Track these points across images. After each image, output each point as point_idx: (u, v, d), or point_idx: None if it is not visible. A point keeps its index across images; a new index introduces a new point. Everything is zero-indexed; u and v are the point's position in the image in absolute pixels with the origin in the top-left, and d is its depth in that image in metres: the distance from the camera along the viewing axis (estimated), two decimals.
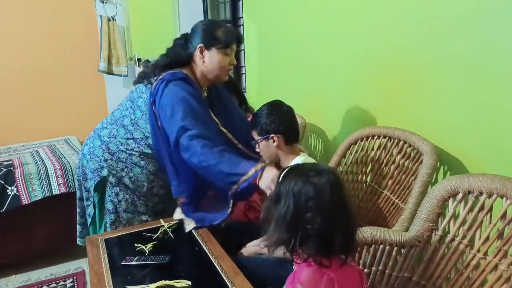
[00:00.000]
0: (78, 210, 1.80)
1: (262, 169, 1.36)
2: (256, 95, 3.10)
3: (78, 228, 1.82)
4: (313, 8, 2.26)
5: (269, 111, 1.51)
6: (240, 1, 3.27)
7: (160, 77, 1.55)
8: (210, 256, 1.39)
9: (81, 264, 2.41)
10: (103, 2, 3.03)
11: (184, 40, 1.64)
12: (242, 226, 1.87)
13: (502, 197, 1.07)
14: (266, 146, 1.55)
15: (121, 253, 1.45)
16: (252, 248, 1.63)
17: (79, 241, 1.84)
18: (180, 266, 1.35)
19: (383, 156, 1.80)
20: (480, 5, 1.33)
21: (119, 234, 1.59)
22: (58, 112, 3.13)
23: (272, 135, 1.49)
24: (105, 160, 1.66)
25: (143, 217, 1.73)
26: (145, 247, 1.44)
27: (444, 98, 1.53)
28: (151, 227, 1.62)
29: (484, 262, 1.09)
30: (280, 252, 1.03)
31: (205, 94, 1.71)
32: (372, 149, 1.84)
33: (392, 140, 1.76)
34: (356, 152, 1.90)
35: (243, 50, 3.34)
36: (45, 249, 2.37)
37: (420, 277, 1.26)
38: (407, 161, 1.66)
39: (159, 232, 1.55)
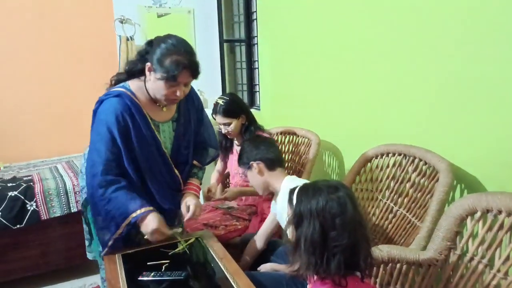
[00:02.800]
0: (84, 226, 1.82)
1: (145, 213, 1.45)
2: (270, 112, 3.13)
3: (86, 242, 1.84)
4: (327, 26, 2.29)
5: (247, 144, 1.62)
6: (255, 21, 3.34)
7: (101, 95, 1.56)
8: (226, 273, 1.39)
9: (96, 279, 2.42)
10: (122, 23, 3.13)
11: (150, 46, 1.50)
12: None
13: None
14: (252, 176, 1.62)
15: (138, 269, 1.46)
16: (268, 265, 1.63)
17: (88, 256, 1.85)
18: (196, 282, 1.35)
19: (398, 174, 1.79)
20: (495, 27, 1.35)
21: (136, 249, 1.61)
22: (77, 129, 3.19)
23: (251, 162, 1.57)
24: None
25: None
26: (165, 262, 1.45)
27: (461, 117, 1.54)
28: (168, 242, 1.64)
29: (504, 283, 1.08)
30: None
31: (164, 108, 1.60)
32: (388, 167, 1.84)
33: (408, 157, 1.76)
34: (371, 169, 1.90)
35: (257, 68, 3.39)
36: (61, 264, 2.39)
37: None
38: (423, 179, 1.65)
39: (177, 249, 1.55)
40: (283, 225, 1.48)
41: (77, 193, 2.32)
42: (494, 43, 1.36)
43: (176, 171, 1.66)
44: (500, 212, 1.12)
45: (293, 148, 2.50)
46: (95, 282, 2.39)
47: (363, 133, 2.12)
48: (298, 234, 1.01)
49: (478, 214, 1.17)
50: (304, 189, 1.04)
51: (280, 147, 2.49)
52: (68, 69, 3.11)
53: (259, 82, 3.41)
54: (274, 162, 1.57)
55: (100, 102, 1.55)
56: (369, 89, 2.03)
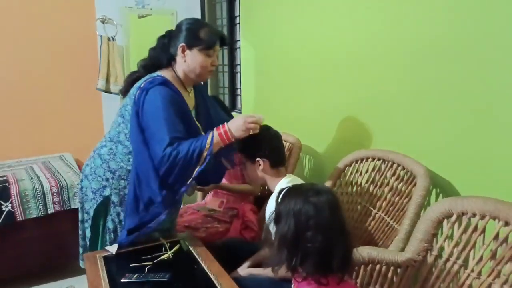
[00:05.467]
0: (80, 232, 1.78)
1: (220, 128, 1.50)
2: None
3: (80, 250, 1.80)
4: (309, 31, 2.34)
5: (256, 135, 1.53)
6: (237, 25, 3.37)
7: (142, 85, 1.55)
8: (210, 274, 1.40)
9: (72, 282, 2.38)
10: (103, 23, 3.10)
11: (168, 39, 1.62)
12: (238, 244, 1.89)
13: (494, 219, 1.12)
14: (252, 170, 1.59)
15: (120, 270, 1.45)
16: (247, 270, 1.65)
17: (81, 264, 1.80)
18: (180, 284, 1.36)
19: (377, 178, 1.84)
20: (474, 36, 1.42)
21: (117, 251, 1.60)
22: (54, 129, 3.14)
23: (258, 159, 1.54)
24: (107, 179, 1.66)
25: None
26: (155, 258, 1.46)
27: (436, 123, 1.60)
28: (150, 244, 1.63)
29: (478, 282, 1.13)
30: (283, 271, 1.05)
31: (190, 94, 1.70)
32: (367, 171, 1.89)
33: (386, 162, 1.81)
34: (351, 173, 1.95)
35: (239, 72, 3.42)
36: (37, 266, 2.34)
37: None
38: (401, 183, 1.71)
39: (163, 253, 1.55)
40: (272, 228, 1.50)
41: (55, 194, 2.28)
42: (470, 50, 1.43)
43: None
44: (474, 215, 1.17)
45: None
46: (72, 286, 2.35)
47: (343, 138, 2.17)
48: (275, 232, 1.05)
49: (454, 217, 1.22)
50: (288, 190, 1.08)
51: None
52: (46, 68, 3.05)
53: (241, 86, 3.44)
54: (278, 162, 1.58)
55: (145, 91, 1.53)
56: (349, 95, 2.08)
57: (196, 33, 1.56)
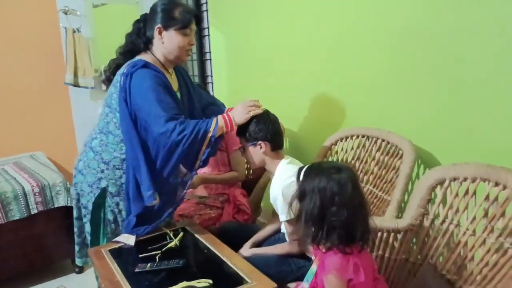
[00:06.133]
0: (75, 229, 1.76)
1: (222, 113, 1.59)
2: (226, 104, 3.16)
3: (76, 247, 1.77)
4: (284, 16, 2.38)
5: (257, 119, 1.58)
6: (205, 12, 3.35)
7: (125, 71, 1.55)
8: (222, 257, 1.45)
9: (62, 282, 2.33)
10: (66, 14, 2.96)
11: (143, 23, 1.63)
12: (233, 227, 1.94)
13: (484, 181, 1.25)
14: (253, 152, 1.63)
15: (130, 262, 1.46)
16: (249, 250, 1.71)
17: (78, 261, 1.79)
18: (195, 268, 1.40)
19: (362, 155, 1.95)
20: (449, 19, 1.53)
21: (121, 245, 1.60)
22: (21, 127, 2.99)
23: (260, 142, 1.58)
24: (102, 171, 1.65)
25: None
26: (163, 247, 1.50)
27: (416, 100, 1.73)
28: (152, 235, 1.65)
29: (473, 238, 1.26)
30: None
31: (172, 76, 1.71)
32: (352, 148, 1.99)
33: (371, 139, 1.92)
34: (337, 152, 2.04)
35: (210, 60, 3.41)
36: (25, 268, 2.26)
37: (416, 258, 1.42)
38: (387, 157, 1.82)
39: (169, 241, 1.57)
40: (276, 207, 1.55)
41: (37, 194, 2.20)
42: (446, 30, 1.55)
43: None
44: (465, 179, 1.30)
45: None
46: (62, 285, 2.30)
47: (325, 119, 2.26)
48: (300, 208, 1.11)
49: (447, 182, 1.34)
50: (310, 168, 1.14)
51: None
52: (7, 64, 2.89)
53: (212, 74, 3.44)
54: (278, 144, 1.62)
55: (128, 75, 1.53)
56: (329, 77, 2.16)
57: (171, 13, 1.56)
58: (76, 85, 3.01)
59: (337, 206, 1.06)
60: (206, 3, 3.27)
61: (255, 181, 2.30)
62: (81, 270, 2.41)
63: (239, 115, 1.55)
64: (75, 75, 2.99)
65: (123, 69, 1.58)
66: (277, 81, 2.57)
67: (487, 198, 1.24)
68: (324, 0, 2.10)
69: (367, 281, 1.07)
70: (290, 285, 1.56)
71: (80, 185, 1.69)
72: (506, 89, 1.40)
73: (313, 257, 1.20)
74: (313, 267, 1.16)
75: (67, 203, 2.25)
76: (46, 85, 3.03)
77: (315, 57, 2.23)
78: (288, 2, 2.34)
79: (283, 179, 1.52)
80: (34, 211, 2.19)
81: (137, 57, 1.61)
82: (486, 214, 1.24)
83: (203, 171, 2.25)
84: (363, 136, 1.95)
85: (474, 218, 1.27)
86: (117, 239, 1.63)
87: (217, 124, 1.51)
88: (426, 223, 1.39)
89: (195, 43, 1.65)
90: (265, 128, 1.57)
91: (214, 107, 1.86)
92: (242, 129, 1.61)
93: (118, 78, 1.59)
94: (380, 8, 1.82)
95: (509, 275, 1.10)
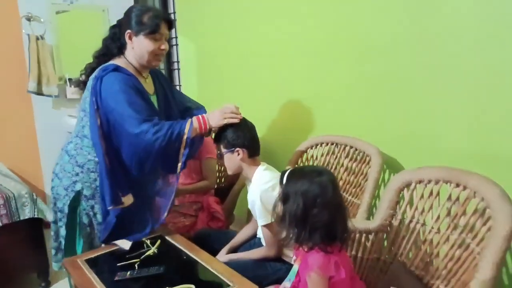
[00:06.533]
0: (52, 233, 1.73)
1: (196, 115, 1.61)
2: None
3: (52, 251, 1.74)
4: (254, 25, 2.45)
5: (235, 126, 1.62)
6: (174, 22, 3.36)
7: (96, 74, 1.58)
8: (201, 262, 1.47)
9: None
10: (29, 20, 2.88)
11: (118, 28, 1.66)
12: (207, 234, 1.96)
13: (447, 183, 1.35)
14: (230, 159, 1.66)
15: (107, 271, 1.45)
16: (226, 256, 1.74)
17: (54, 266, 1.76)
18: (176, 275, 1.40)
19: (332, 161, 2.04)
20: (411, 31, 1.66)
21: (97, 254, 1.58)
22: None
23: (237, 148, 1.62)
24: (77, 174, 1.64)
25: None
26: (141, 255, 1.50)
27: (382, 109, 1.84)
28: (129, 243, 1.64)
29: (438, 236, 1.36)
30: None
31: (147, 80, 1.73)
32: (322, 155, 2.08)
33: (339, 146, 2.01)
34: (308, 159, 2.12)
35: (178, 69, 3.42)
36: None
37: (387, 256, 1.50)
38: (355, 163, 1.92)
39: (147, 249, 1.58)
40: (254, 213, 1.59)
41: (1, 206, 2.11)
42: (407, 44, 1.68)
43: None
44: (430, 181, 1.40)
45: None
46: None
47: (296, 127, 2.34)
48: (284, 210, 1.17)
49: (413, 185, 1.45)
50: (292, 172, 1.20)
51: None
52: None
53: (180, 83, 3.45)
54: (255, 151, 1.66)
55: (99, 79, 1.56)
56: (299, 85, 2.25)
57: (140, 19, 1.57)
58: (39, 93, 2.92)
59: (319, 207, 1.12)
60: (174, 12, 3.29)
61: (227, 189, 2.34)
62: (47, 284, 2.33)
63: (214, 119, 1.60)
64: (39, 82, 2.90)
65: (95, 73, 1.61)
66: (247, 89, 2.63)
67: (449, 198, 1.35)
68: (295, 9, 2.18)
69: (346, 278, 1.13)
70: None
71: (56, 189, 1.68)
72: (462, 101, 1.53)
73: (294, 258, 1.26)
74: (295, 267, 1.21)
75: (34, 215, 2.18)
76: (8, 93, 2.92)
77: (286, 66, 2.31)
78: (258, 11, 2.41)
79: (261, 185, 1.57)
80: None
81: (110, 62, 1.64)
82: (449, 213, 1.34)
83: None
84: (332, 144, 2.04)
85: (438, 217, 1.38)
86: (113, 242, 1.63)
87: (191, 125, 1.56)
88: (395, 223, 1.48)
89: (167, 48, 1.66)
90: (243, 135, 1.61)
91: (194, 111, 1.88)
92: (220, 136, 1.64)
93: (90, 82, 1.61)
94: (348, 23, 1.93)
95: (471, 267, 1.20)
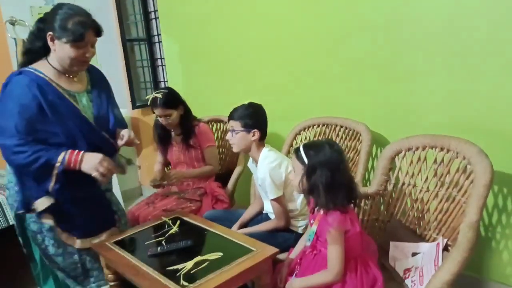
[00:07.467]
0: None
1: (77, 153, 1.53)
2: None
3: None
4: (240, 19, 2.57)
5: (255, 110, 1.79)
6: (154, 20, 3.46)
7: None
8: (222, 234, 1.63)
9: None
10: (13, 25, 2.91)
11: (43, 24, 1.53)
12: (220, 214, 2.11)
13: (432, 148, 1.58)
14: (244, 138, 1.80)
15: (138, 249, 1.59)
16: (238, 231, 1.90)
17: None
18: (202, 246, 1.56)
19: None
20: (390, 14, 1.87)
21: (122, 237, 1.71)
22: None
23: (255, 130, 1.78)
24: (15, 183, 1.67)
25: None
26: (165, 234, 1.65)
27: (368, 89, 2.05)
28: (150, 225, 1.78)
29: (428, 194, 1.59)
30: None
31: (75, 79, 1.65)
32: (314, 136, 2.27)
33: (330, 126, 2.21)
34: (302, 141, 2.31)
35: (162, 66, 3.53)
36: None
37: (384, 217, 1.72)
38: (346, 140, 2.13)
39: (170, 228, 1.71)
40: (264, 188, 1.75)
41: None
42: (389, 30, 1.89)
43: (105, 134, 1.70)
44: (417, 148, 1.62)
45: (222, 135, 2.76)
46: None
47: (284, 115, 2.50)
48: (313, 182, 1.31)
49: (403, 153, 1.67)
50: (308, 147, 1.35)
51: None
52: None
53: (165, 80, 3.55)
54: (265, 134, 1.83)
55: (4, 86, 1.52)
56: (284, 76, 2.41)
57: (64, 23, 1.46)
58: None
59: (342, 171, 1.30)
60: (155, 11, 3.39)
61: (226, 175, 2.49)
62: None
63: (87, 165, 1.54)
64: None
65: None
66: (235, 82, 2.77)
67: (435, 161, 1.57)
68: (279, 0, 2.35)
69: (359, 231, 1.33)
70: (279, 256, 1.78)
71: (9, 199, 1.73)
72: (439, 78, 1.76)
73: (311, 221, 1.43)
74: (313, 228, 1.38)
75: None
76: None
77: (269, 57, 2.47)
78: (241, 5, 2.54)
79: (269, 163, 1.74)
80: None
81: (31, 66, 1.56)
82: (436, 174, 1.57)
83: (179, 169, 2.39)
84: (323, 125, 2.24)
85: (427, 178, 1.60)
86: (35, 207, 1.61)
87: (63, 161, 1.51)
88: (390, 187, 1.70)
89: (93, 54, 1.57)
90: (261, 119, 1.79)
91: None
92: (240, 115, 1.78)
93: None
94: (328, 8, 2.10)
95: (459, 215, 1.43)
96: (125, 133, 1.73)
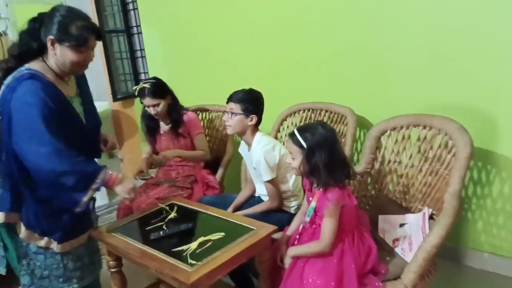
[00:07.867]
0: None
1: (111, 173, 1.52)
2: None
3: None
4: (223, 7, 2.62)
5: (256, 96, 1.86)
6: (132, 11, 3.44)
7: (10, 82, 1.43)
8: (221, 216, 1.69)
9: None
10: None
11: (39, 24, 1.47)
12: (214, 199, 2.17)
13: (415, 126, 1.70)
14: (241, 121, 1.84)
15: (139, 234, 1.63)
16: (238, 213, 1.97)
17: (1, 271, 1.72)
18: (204, 228, 1.62)
19: None
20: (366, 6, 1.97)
21: (121, 224, 1.74)
22: None
23: (253, 115, 1.84)
24: None
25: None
26: (164, 220, 1.68)
27: (351, 75, 2.15)
28: (148, 212, 1.82)
29: (413, 170, 1.71)
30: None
31: (69, 83, 1.62)
32: (301, 121, 2.36)
33: (316, 111, 2.30)
34: (288, 127, 2.39)
35: (142, 57, 3.51)
36: None
37: (372, 193, 1.83)
38: (331, 124, 2.22)
39: (168, 213, 1.74)
40: (259, 170, 1.81)
41: None
42: (378, 19, 1.99)
43: (95, 139, 1.74)
44: (401, 127, 1.74)
45: (209, 124, 2.80)
46: None
47: (272, 100, 2.57)
48: (313, 163, 1.37)
49: (388, 132, 1.78)
50: (302, 130, 1.41)
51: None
52: None
53: (145, 71, 3.54)
54: (261, 121, 1.89)
55: (12, 89, 1.42)
56: (270, 61, 2.49)
57: (67, 28, 1.43)
58: None
59: (338, 149, 1.39)
60: (133, 1, 3.37)
61: (215, 162, 2.54)
62: None
63: (123, 188, 1.54)
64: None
65: (9, 79, 1.46)
66: (218, 71, 2.82)
67: (418, 139, 1.69)
68: None
69: (355, 205, 1.43)
70: (274, 235, 1.86)
71: None
72: (418, 62, 1.87)
73: (310, 198, 1.51)
74: (312, 204, 1.46)
75: None
76: None
77: (255, 45, 2.54)
78: None
79: (263, 146, 1.81)
80: None
81: (27, 65, 1.48)
82: (419, 150, 1.69)
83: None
84: (309, 110, 2.33)
85: (411, 155, 1.72)
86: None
87: (104, 181, 1.49)
88: (377, 165, 1.81)
89: (92, 58, 1.55)
90: (261, 107, 1.86)
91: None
92: (240, 98, 1.83)
93: (3, 87, 1.47)
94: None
95: (442, 187, 1.55)
96: (108, 139, 1.79)
